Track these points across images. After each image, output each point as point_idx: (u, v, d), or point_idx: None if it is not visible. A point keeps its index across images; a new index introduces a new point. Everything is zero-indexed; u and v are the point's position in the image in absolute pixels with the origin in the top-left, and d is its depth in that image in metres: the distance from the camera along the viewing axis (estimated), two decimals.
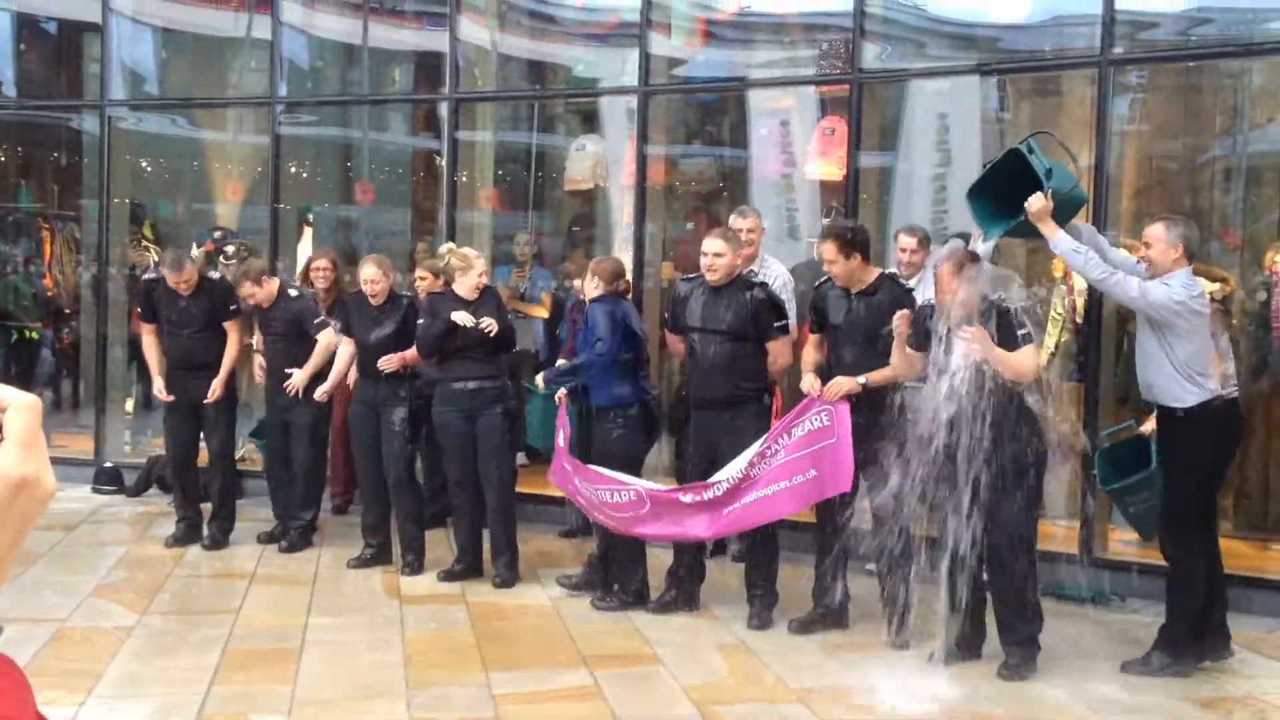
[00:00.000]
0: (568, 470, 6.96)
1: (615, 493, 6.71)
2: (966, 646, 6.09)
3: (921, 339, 6.04)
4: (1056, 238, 5.97)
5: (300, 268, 9.64)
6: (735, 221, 7.52)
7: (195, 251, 10.40)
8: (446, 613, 6.94)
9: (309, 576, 7.63)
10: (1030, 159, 5.87)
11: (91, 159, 11.14)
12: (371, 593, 7.33)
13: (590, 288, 7.18)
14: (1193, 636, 6.04)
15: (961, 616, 6.11)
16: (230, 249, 10.25)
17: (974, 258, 5.86)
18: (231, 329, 8.23)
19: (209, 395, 8.11)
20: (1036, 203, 5.83)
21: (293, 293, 8.29)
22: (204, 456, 8.49)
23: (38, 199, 12.72)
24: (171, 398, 8.28)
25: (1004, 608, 5.98)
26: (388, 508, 7.88)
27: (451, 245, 7.77)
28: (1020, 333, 5.80)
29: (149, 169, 12.23)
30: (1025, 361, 5.77)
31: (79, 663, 5.88)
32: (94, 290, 10.89)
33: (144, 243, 11.06)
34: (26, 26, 12.24)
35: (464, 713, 5.38)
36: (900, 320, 6.06)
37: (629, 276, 8.53)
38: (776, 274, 7.75)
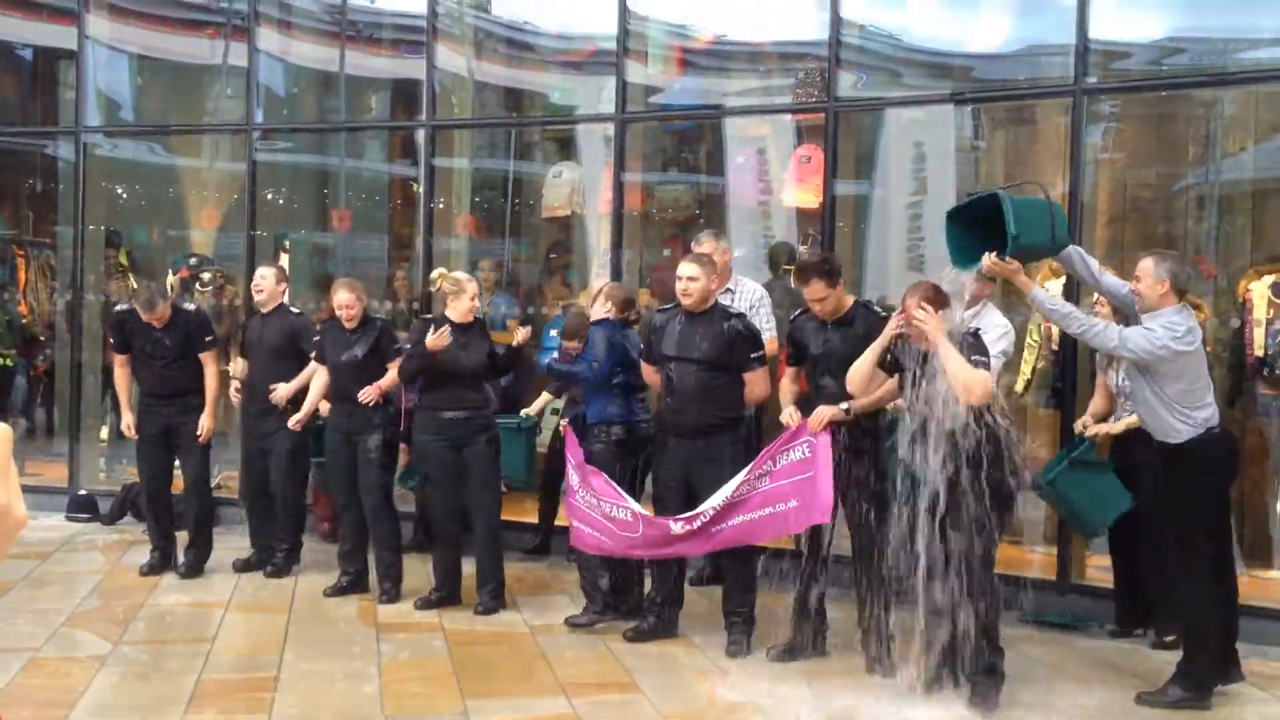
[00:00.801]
0: (575, 488, 7.00)
1: (616, 507, 6.76)
2: (945, 673, 6.06)
3: (892, 365, 6.06)
4: (1032, 292, 5.98)
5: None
6: (694, 248, 7.47)
7: (171, 278, 10.38)
8: (424, 641, 6.90)
9: (285, 605, 7.58)
10: (1005, 214, 5.74)
11: (67, 185, 11.09)
12: (348, 621, 7.29)
13: (599, 309, 7.20)
14: (1213, 669, 6.01)
15: (939, 643, 6.08)
16: (206, 275, 10.24)
17: (939, 291, 5.83)
18: (207, 360, 8.20)
19: (200, 434, 8.12)
20: (988, 262, 5.81)
21: (294, 310, 8.35)
22: (179, 484, 8.45)
23: (12, 225, 12.66)
24: (137, 436, 8.26)
25: (965, 638, 5.84)
26: (364, 535, 7.85)
27: (442, 270, 7.73)
28: (974, 356, 5.66)
29: (124, 195, 12.19)
30: (972, 376, 5.58)
31: (52, 692, 5.82)
32: (68, 317, 10.84)
33: (121, 269, 11.02)
34: (1, 53, 12.21)
35: None
36: (891, 329, 5.96)
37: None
38: (752, 289, 7.78)
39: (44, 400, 12.05)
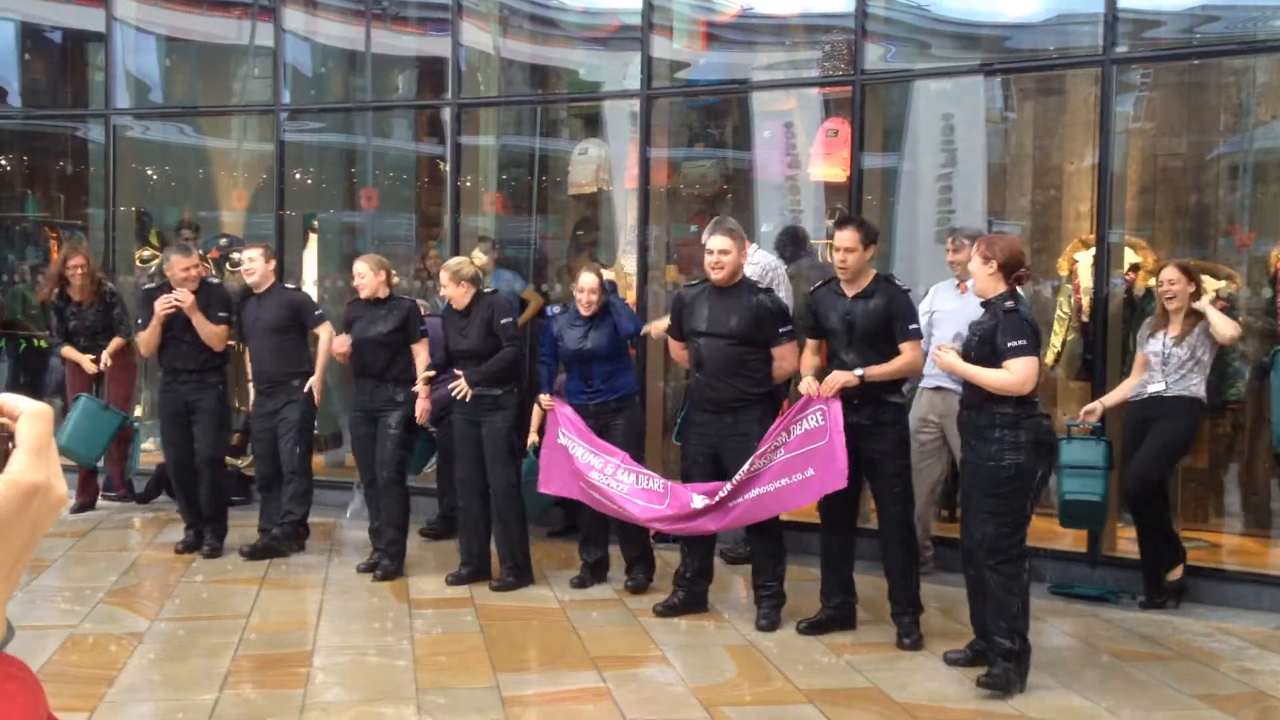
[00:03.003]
0: (564, 466, 7.12)
1: (650, 480, 6.92)
2: (979, 649, 6.02)
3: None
4: None
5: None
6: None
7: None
8: (455, 616, 6.95)
9: (318, 581, 7.65)
10: None
11: (97, 167, 11.18)
12: (380, 597, 7.35)
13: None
14: None
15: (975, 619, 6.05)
16: (236, 256, 10.27)
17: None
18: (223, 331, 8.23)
19: (177, 301, 7.97)
20: None
21: (290, 285, 8.29)
22: None
23: (44, 208, 12.75)
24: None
25: (991, 619, 5.73)
26: None
27: (468, 259, 7.71)
28: (1011, 343, 5.54)
29: (154, 177, 12.26)
30: (1007, 379, 5.56)
31: (91, 669, 5.91)
32: None
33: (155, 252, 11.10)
34: (31, 36, 12.28)
35: (473, 715, 5.39)
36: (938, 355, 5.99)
37: (633, 279, 8.70)
38: (762, 261, 7.77)
39: None
